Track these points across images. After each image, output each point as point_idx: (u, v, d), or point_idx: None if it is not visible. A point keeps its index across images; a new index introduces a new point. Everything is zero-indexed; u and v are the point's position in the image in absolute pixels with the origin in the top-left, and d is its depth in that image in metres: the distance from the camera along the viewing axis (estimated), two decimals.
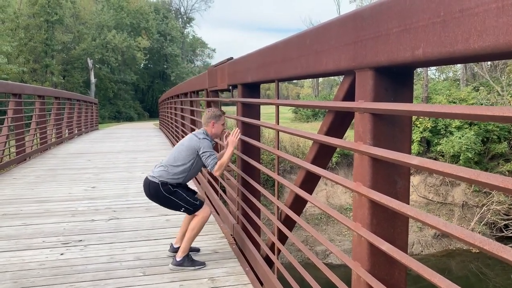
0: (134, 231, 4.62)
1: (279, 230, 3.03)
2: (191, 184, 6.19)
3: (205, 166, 3.70)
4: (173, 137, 12.83)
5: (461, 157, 16.73)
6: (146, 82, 50.66)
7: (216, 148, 5.22)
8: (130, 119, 42.87)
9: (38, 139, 11.49)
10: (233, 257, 3.87)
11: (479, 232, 14.96)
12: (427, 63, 1.48)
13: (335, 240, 14.60)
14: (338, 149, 3.49)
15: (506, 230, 15.27)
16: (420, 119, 17.43)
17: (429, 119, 17.27)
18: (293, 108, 27.06)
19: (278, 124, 3.05)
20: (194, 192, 3.79)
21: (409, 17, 1.44)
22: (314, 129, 16.63)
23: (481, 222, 15.52)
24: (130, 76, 44.58)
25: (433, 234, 15.18)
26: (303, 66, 2.43)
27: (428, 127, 17.54)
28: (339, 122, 2.37)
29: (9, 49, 28.25)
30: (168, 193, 3.56)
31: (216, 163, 3.57)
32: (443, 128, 17.57)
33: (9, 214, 5.30)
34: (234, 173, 4.90)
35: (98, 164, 9.29)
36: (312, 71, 2.32)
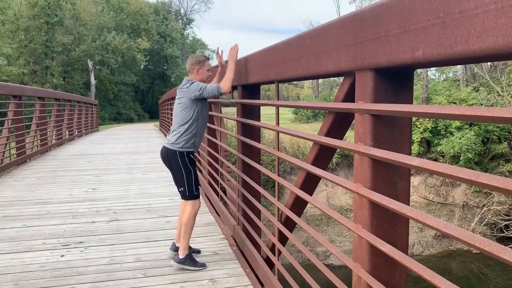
0: (134, 233, 4.62)
1: (280, 231, 3.03)
2: None
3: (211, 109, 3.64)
4: None
5: (461, 158, 16.73)
6: (146, 84, 50.69)
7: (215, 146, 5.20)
8: (130, 120, 42.88)
9: (39, 141, 11.49)
10: (234, 259, 3.87)
11: (480, 233, 14.96)
12: (426, 64, 1.48)
13: (336, 241, 14.60)
14: (338, 150, 3.48)
15: (506, 231, 15.26)
16: (420, 120, 17.44)
17: (429, 120, 17.28)
18: (293, 108, 27.05)
19: (278, 125, 3.05)
20: (199, 184, 3.81)
21: (408, 19, 1.44)
22: (314, 129, 16.64)
23: (482, 223, 15.51)
24: (130, 78, 44.61)
25: (433, 235, 15.17)
26: (303, 67, 2.44)
27: (428, 128, 17.55)
28: (339, 123, 2.37)
29: (9, 50, 28.26)
30: (183, 165, 3.58)
31: (218, 84, 3.55)
32: (443, 129, 17.58)
33: (9, 216, 5.30)
34: (234, 174, 4.91)
35: (98, 165, 9.29)
36: (312, 72, 2.32)
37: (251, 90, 4.07)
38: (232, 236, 4.41)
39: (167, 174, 7.93)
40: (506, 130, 17.64)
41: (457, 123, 17.28)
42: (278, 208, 3.05)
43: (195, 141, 3.65)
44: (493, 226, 15.66)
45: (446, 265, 14.12)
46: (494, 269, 13.64)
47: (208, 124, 5.20)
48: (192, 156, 3.68)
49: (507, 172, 16.69)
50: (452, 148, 16.65)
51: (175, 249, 3.81)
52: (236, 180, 4.47)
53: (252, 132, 4.05)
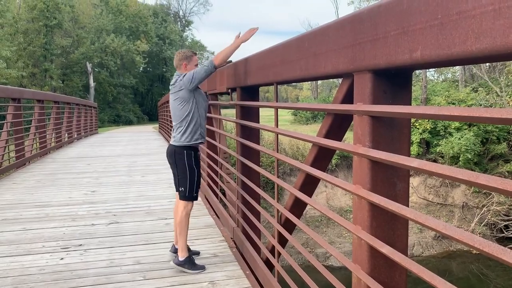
0: (134, 235, 4.61)
1: (279, 233, 3.02)
2: None
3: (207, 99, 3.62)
4: None
5: (460, 158, 16.74)
6: (145, 86, 50.66)
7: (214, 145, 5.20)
8: (129, 122, 42.85)
9: (38, 144, 11.47)
10: (233, 261, 3.86)
11: (479, 233, 14.97)
12: (425, 65, 1.48)
13: (335, 242, 14.58)
14: (337, 151, 3.48)
15: (506, 231, 15.25)
16: (419, 121, 17.45)
17: (428, 121, 17.30)
18: (292, 110, 27.06)
19: (277, 127, 3.05)
20: (199, 186, 3.81)
21: (406, 20, 1.44)
22: (313, 131, 16.65)
23: (481, 223, 15.51)
24: (129, 80, 44.60)
25: (433, 236, 15.17)
26: (302, 68, 2.44)
27: (428, 129, 17.56)
28: (338, 125, 2.37)
29: (8, 53, 28.22)
30: (189, 165, 3.58)
31: (210, 60, 3.53)
32: (442, 129, 17.59)
33: (9, 219, 5.29)
34: (234, 176, 4.90)
35: (98, 168, 9.28)
36: (311, 73, 2.33)
37: (250, 92, 4.07)
38: (231, 238, 4.40)
39: (166, 176, 7.94)
40: (505, 130, 17.65)
41: (456, 124, 17.29)
42: (278, 209, 3.05)
43: (201, 131, 3.68)
44: (492, 227, 15.66)
45: (446, 266, 14.11)
46: (494, 270, 13.63)
47: (207, 126, 5.20)
48: (198, 154, 3.69)
49: (506, 173, 16.71)
50: (452, 149, 16.66)
51: (175, 251, 3.81)
52: (235, 182, 4.47)
53: (251, 134, 4.05)
